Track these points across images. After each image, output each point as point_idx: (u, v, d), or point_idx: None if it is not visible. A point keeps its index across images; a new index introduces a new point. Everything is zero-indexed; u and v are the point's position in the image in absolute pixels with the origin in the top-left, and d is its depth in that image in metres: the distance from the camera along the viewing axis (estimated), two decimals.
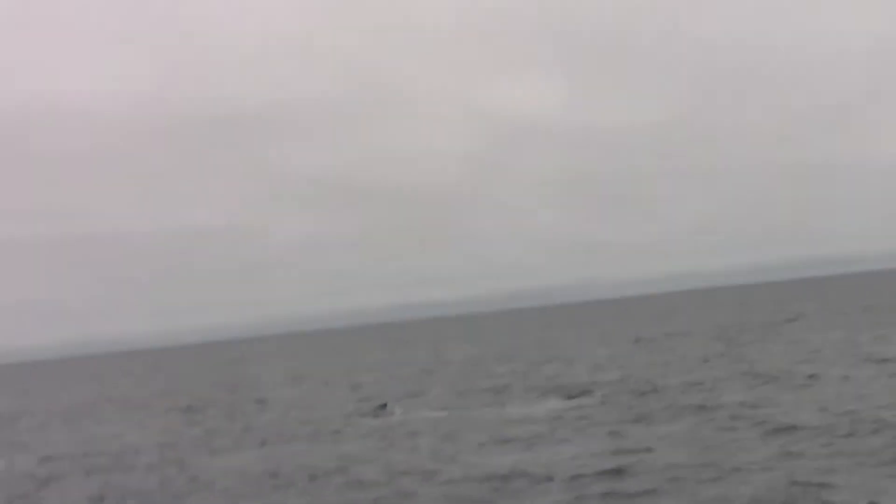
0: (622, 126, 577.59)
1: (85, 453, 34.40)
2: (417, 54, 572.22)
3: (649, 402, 32.48)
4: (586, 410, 31.70)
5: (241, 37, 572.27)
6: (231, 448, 32.04)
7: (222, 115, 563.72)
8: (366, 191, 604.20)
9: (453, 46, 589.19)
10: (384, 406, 38.39)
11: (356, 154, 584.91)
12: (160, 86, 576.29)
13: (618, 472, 20.88)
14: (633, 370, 44.80)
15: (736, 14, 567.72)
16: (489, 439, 27.61)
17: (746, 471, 19.72)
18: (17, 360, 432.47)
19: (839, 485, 17.79)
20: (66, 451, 35.98)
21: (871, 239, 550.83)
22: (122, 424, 45.15)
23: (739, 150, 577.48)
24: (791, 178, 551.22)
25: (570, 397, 36.18)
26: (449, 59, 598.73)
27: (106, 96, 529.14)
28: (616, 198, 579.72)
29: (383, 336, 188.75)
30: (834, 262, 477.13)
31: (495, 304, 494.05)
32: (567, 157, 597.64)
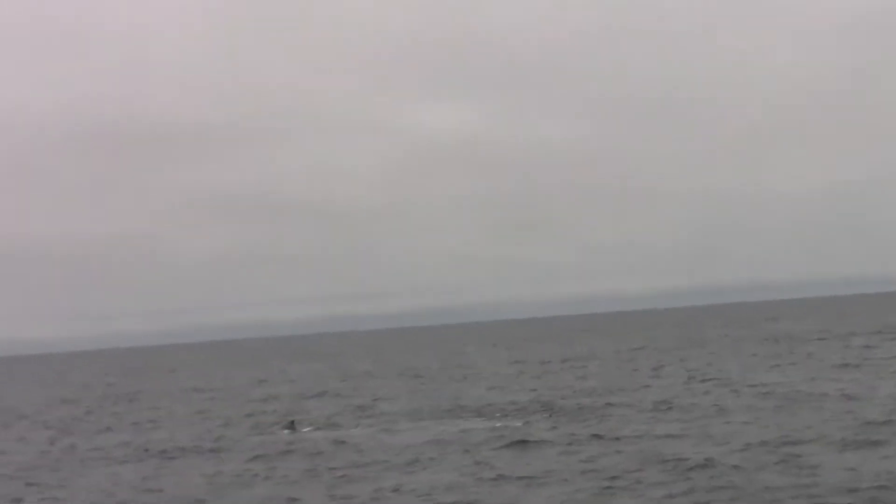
0: (541, 149, 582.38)
1: None
2: (333, 73, 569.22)
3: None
4: (471, 436, 31.59)
5: (153, 52, 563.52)
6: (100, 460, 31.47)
7: (137, 131, 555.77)
8: (280, 207, 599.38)
9: (370, 66, 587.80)
10: (291, 423, 37.98)
11: (271, 171, 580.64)
12: (75, 98, 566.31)
13: None
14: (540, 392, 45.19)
15: (658, 42, 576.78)
16: (370, 461, 27.48)
17: None
18: None
19: None
20: None
21: (788, 266, 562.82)
22: None
23: (657, 177, 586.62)
24: (708, 205, 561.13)
25: (461, 418, 36.45)
26: (365, 79, 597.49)
27: (19, 106, 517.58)
28: (533, 219, 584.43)
29: (291, 349, 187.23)
30: (750, 289, 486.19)
31: (409, 321, 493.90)
32: (485, 178, 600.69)
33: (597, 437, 29.21)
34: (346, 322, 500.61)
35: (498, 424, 34.14)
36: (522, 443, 29.13)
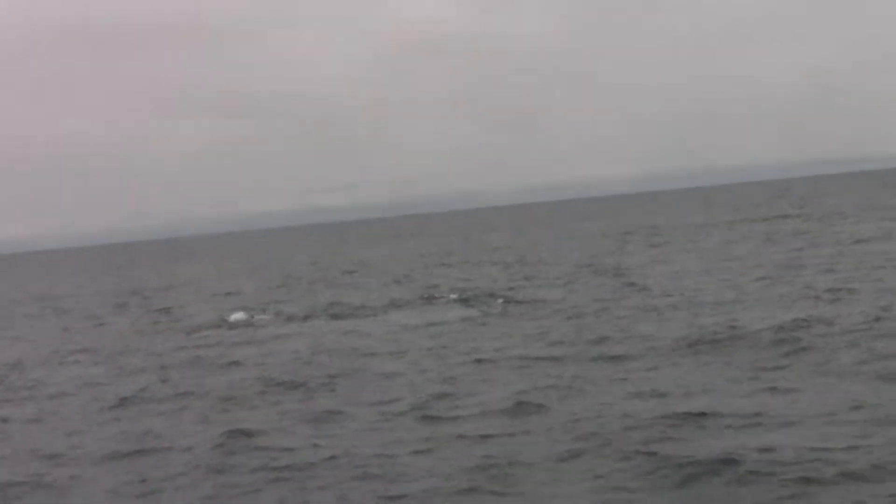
0: (518, 42, 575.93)
1: None
2: None
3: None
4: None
5: None
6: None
7: (116, 26, 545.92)
8: (263, 103, 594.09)
9: None
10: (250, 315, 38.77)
11: (256, 66, 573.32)
12: None
13: None
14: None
15: None
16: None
17: None
18: None
19: None
20: None
21: (762, 151, 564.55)
22: None
23: (635, 68, 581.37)
24: (684, 95, 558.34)
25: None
26: None
27: None
28: (514, 109, 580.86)
29: (282, 240, 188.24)
30: (724, 173, 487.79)
31: (394, 211, 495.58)
32: (462, 72, 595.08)
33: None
34: (326, 214, 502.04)
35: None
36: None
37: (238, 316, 37.90)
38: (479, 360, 23.45)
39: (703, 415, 16.23)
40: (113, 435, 19.06)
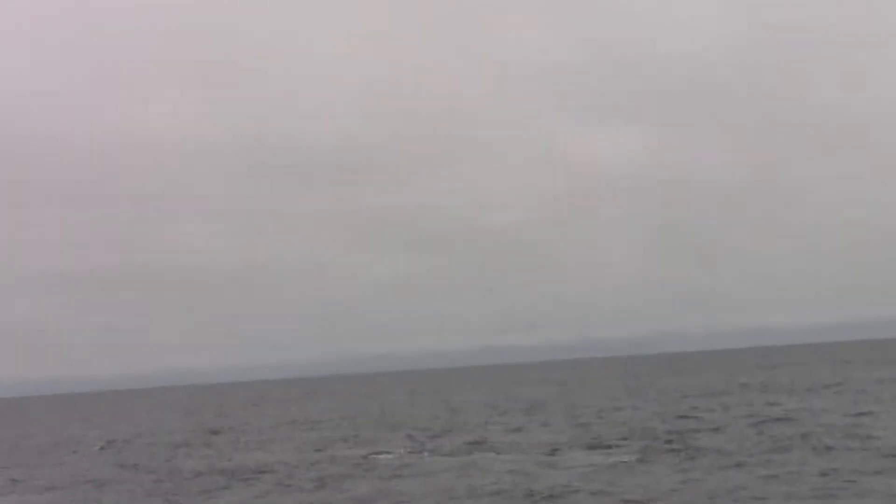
0: (704, 178, 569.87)
1: None
2: (500, 97, 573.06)
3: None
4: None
5: (307, 80, 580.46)
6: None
7: (294, 158, 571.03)
8: (443, 233, 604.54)
9: (537, 91, 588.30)
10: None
11: (433, 197, 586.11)
12: (233, 125, 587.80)
13: None
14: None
15: (832, 74, 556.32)
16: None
17: None
18: (92, 389, 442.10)
19: None
20: None
21: None
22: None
23: (820, 207, 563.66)
24: (879, 239, 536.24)
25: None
26: (532, 104, 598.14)
27: (177, 133, 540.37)
28: (699, 251, 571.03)
29: (471, 379, 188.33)
30: None
31: (577, 352, 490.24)
32: (647, 208, 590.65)
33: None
34: (503, 354, 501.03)
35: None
36: None
37: None
38: None
39: None
40: None
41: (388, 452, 39.21)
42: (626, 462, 31.79)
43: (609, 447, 36.42)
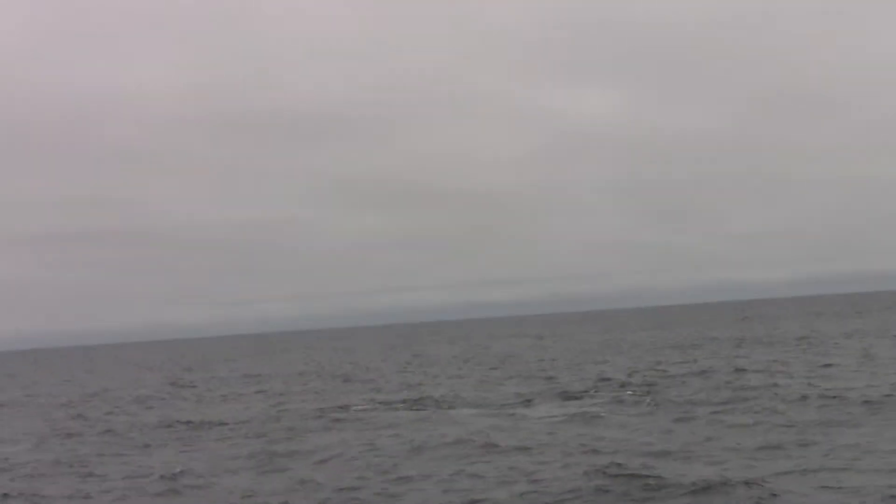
0: (682, 136, 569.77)
1: None
2: (477, 59, 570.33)
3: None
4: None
5: (298, 34, 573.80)
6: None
7: (274, 115, 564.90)
8: (423, 194, 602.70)
9: (514, 52, 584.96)
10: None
11: (414, 158, 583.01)
12: (212, 81, 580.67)
13: None
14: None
15: (811, 33, 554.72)
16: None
17: None
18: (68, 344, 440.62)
19: None
20: None
21: None
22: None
23: (803, 165, 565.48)
24: (858, 193, 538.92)
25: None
26: (509, 61, 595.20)
27: (156, 89, 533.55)
28: (674, 207, 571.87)
29: (435, 334, 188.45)
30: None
31: (548, 308, 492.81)
32: (625, 165, 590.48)
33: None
34: (483, 309, 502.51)
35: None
36: None
37: None
38: None
39: None
40: None
41: (353, 406, 38.59)
42: (593, 413, 31.30)
43: (578, 398, 36.02)
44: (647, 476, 19.96)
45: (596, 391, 37.95)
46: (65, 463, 27.72)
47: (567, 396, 36.94)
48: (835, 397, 30.43)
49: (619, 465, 21.42)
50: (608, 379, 42.68)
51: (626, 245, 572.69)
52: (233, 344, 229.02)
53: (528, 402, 35.87)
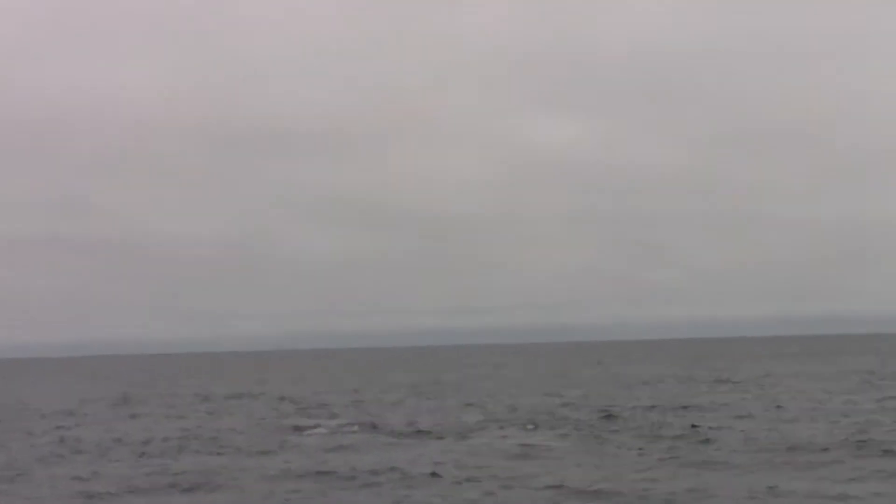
0: (649, 170, 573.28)
1: None
2: (450, 85, 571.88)
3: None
4: None
5: (272, 47, 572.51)
6: None
7: (247, 129, 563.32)
8: (390, 215, 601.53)
9: (485, 79, 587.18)
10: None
11: (382, 179, 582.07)
12: (189, 90, 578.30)
13: None
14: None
15: (771, 74, 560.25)
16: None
17: None
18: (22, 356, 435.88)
19: None
20: None
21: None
22: None
23: (764, 205, 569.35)
24: (816, 234, 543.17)
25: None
26: (479, 91, 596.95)
27: (133, 95, 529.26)
28: (637, 241, 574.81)
29: (390, 359, 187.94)
30: (863, 322, 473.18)
31: (512, 338, 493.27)
32: (593, 196, 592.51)
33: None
34: (448, 336, 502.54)
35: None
36: None
37: None
38: None
39: None
40: None
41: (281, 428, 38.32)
42: (528, 443, 31.43)
43: (502, 427, 36.14)
44: None
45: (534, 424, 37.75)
46: None
47: (497, 426, 36.96)
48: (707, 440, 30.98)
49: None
50: (551, 412, 42.86)
51: (594, 276, 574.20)
52: (201, 361, 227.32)
53: (459, 433, 35.65)
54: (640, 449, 29.36)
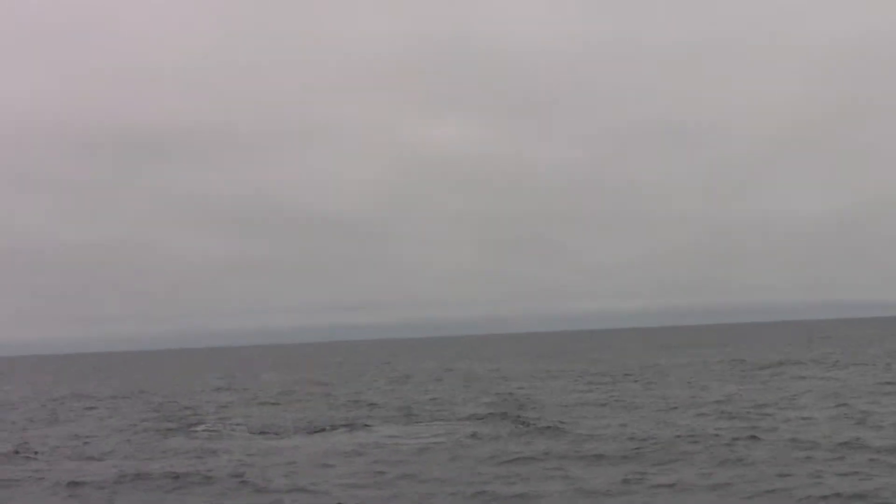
0: (540, 169, 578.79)
1: None
2: (338, 86, 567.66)
3: None
4: None
5: (155, 56, 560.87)
6: None
7: (128, 134, 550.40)
8: (280, 217, 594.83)
9: (374, 80, 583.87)
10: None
11: (272, 181, 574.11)
12: (68, 100, 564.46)
13: None
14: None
15: (658, 74, 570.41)
16: None
17: None
18: None
19: None
20: None
21: (780, 290, 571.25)
22: None
23: (653, 202, 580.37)
24: (704, 231, 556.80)
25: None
26: (368, 93, 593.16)
27: (12, 105, 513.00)
28: (529, 239, 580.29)
29: (278, 358, 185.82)
30: (743, 312, 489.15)
31: (405, 332, 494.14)
32: (483, 196, 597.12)
33: None
34: (341, 332, 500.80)
35: None
36: None
37: None
38: None
39: None
40: None
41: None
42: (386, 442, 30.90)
43: (368, 426, 35.69)
44: None
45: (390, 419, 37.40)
46: None
47: (364, 425, 36.42)
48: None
49: None
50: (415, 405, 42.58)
51: (482, 274, 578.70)
52: (84, 363, 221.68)
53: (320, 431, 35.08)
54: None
